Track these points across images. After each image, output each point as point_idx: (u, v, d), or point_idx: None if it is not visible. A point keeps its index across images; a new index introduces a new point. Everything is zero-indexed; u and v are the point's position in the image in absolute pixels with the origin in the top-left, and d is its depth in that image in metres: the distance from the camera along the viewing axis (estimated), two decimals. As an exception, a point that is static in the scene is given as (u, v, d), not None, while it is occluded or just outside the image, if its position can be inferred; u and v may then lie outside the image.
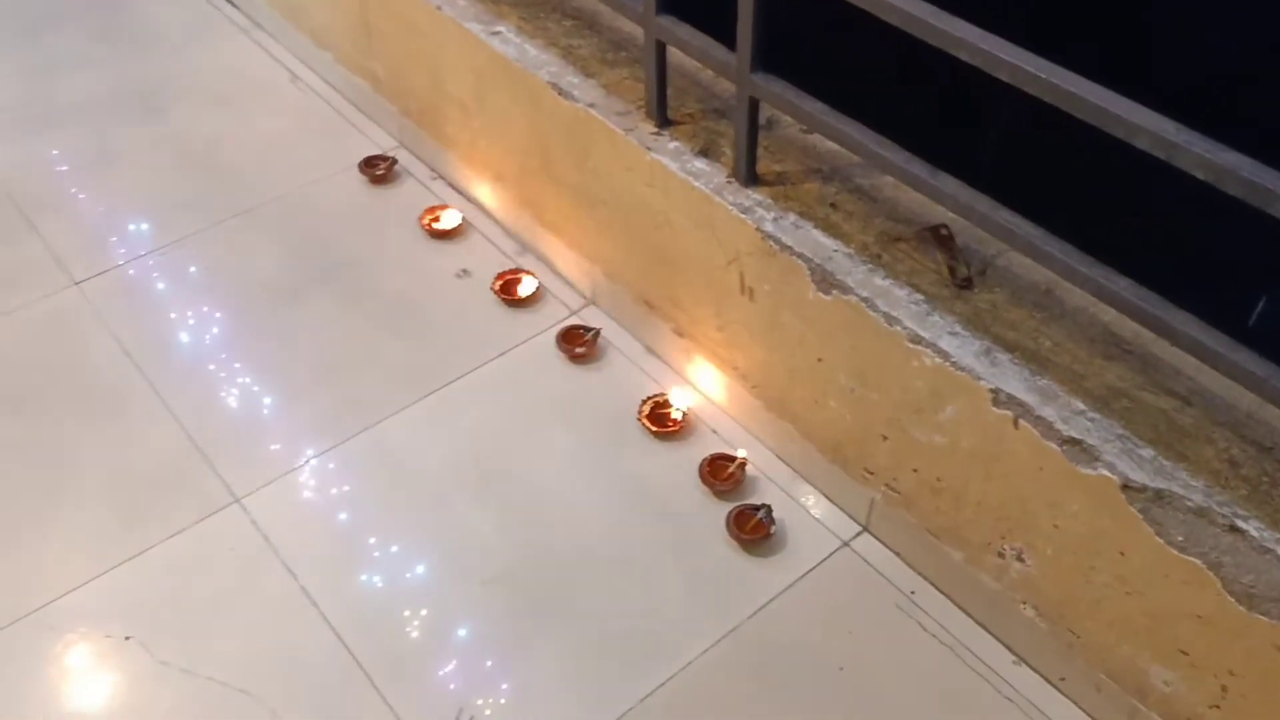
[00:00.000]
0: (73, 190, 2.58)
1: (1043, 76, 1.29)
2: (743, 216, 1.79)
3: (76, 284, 2.34)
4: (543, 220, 2.34)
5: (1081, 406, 1.47)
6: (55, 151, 2.69)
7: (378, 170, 2.59)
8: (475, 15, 2.24)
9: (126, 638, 1.74)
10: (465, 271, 2.37)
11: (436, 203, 2.52)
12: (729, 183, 1.85)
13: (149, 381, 2.14)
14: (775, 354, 1.89)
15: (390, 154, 2.64)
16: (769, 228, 1.76)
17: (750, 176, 1.84)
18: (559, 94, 2.06)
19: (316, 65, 2.90)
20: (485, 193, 2.48)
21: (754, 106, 1.76)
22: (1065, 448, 1.45)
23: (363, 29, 2.61)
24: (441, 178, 2.59)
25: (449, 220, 2.46)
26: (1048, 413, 1.47)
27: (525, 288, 2.30)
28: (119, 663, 1.71)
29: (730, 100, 1.97)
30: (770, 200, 1.81)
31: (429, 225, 2.46)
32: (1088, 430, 1.44)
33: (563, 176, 2.20)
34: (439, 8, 2.28)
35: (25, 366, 2.18)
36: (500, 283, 2.31)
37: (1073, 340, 1.56)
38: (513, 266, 2.36)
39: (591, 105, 2.02)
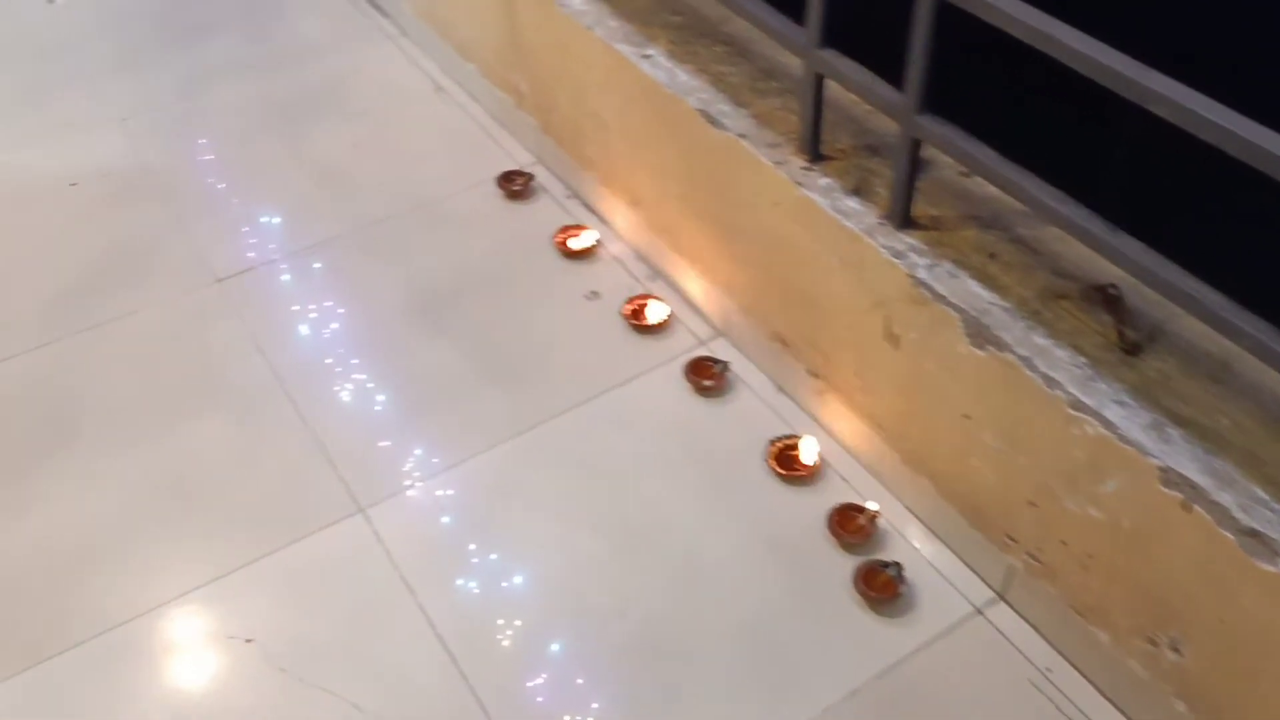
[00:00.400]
0: (221, 190, 2.65)
1: (1261, 145, 1.19)
2: (894, 261, 1.72)
3: (218, 281, 2.39)
4: (678, 247, 2.30)
5: (1263, 495, 1.36)
6: (205, 146, 2.76)
7: (515, 186, 2.59)
8: (626, 37, 2.22)
9: (248, 640, 1.75)
10: (595, 293, 2.34)
11: (571, 222, 2.50)
12: (881, 224, 1.78)
13: (282, 384, 2.17)
14: (917, 406, 1.81)
15: (528, 170, 2.64)
16: (922, 274, 1.69)
17: (904, 219, 1.76)
18: (708, 122, 2.02)
19: (461, 77, 2.92)
20: (620, 215, 2.46)
21: (916, 148, 1.69)
22: (1242, 539, 1.34)
23: (510, 44, 2.62)
24: (577, 197, 2.58)
25: (583, 240, 2.44)
26: (1224, 498, 1.36)
27: (655, 314, 2.26)
28: (238, 666, 1.73)
29: (886, 138, 1.90)
30: (924, 245, 1.73)
31: (562, 244, 2.44)
32: (1270, 522, 1.33)
33: (703, 204, 2.16)
34: (590, 27, 2.26)
35: (166, 361, 2.23)
36: (630, 308, 2.28)
37: (1253, 420, 1.45)
38: (643, 292, 2.32)
39: (742, 135, 1.97)
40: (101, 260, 2.46)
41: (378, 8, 3.23)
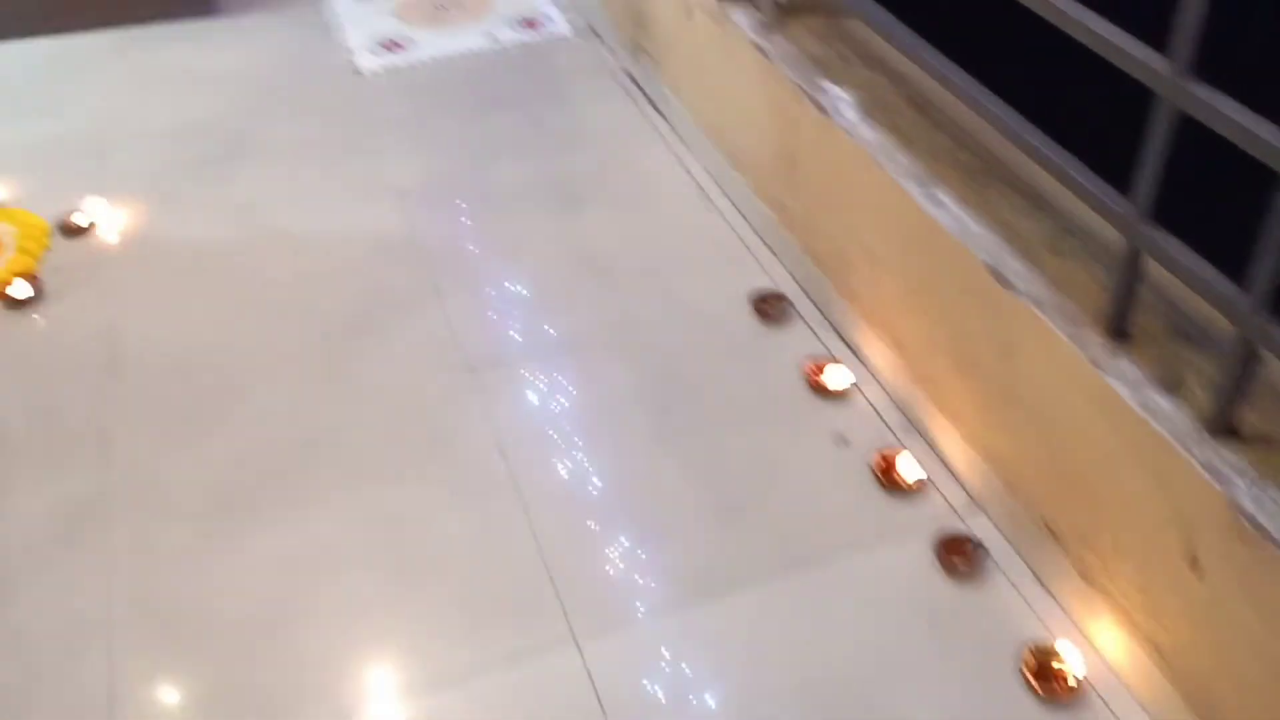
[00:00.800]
0: (483, 270, 2.69)
1: None
2: (1208, 478, 1.48)
3: (467, 363, 2.40)
4: (941, 402, 2.12)
5: None
6: (474, 224, 2.82)
7: (768, 307, 2.49)
8: (913, 174, 2.08)
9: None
10: (842, 438, 2.19)
11: (824, 354, 2.37)
12: (1196, 430, 1.54)
13: (515, 484, 2.13)
14: (1215, 647, 1.55)
15: (784, 292, 2.53)
16: (1244, 502, 1.44)
17: (1226, 429, 1.53)
18: (996, 280, 1.85)
19: (728, 186, 2.86)
20: (879, 356, 2.30)
21: (1254, 352, 1.46)
22: None
23: (785, 160, 2.54)
24: (834, 329, 2.44)
25: (835, 378, 2.30)
26: None
27: (907, 472, 2.08)
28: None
29: (1209, 327, 1.67)
30: (1249, 466, 1.49)
31: (812, 378, 2.31)
32: None
33: (977, 363, 1.98)
34: (875, 159, 2.14)
35: (404, 429, 2.26)
36: (879, 460, 2.11)
37: None
38: (896, 445, 2.15)
39: (1034, 300, 1.79)
40: (360, 326, 2.53)
41: (654, 104, 3.25)
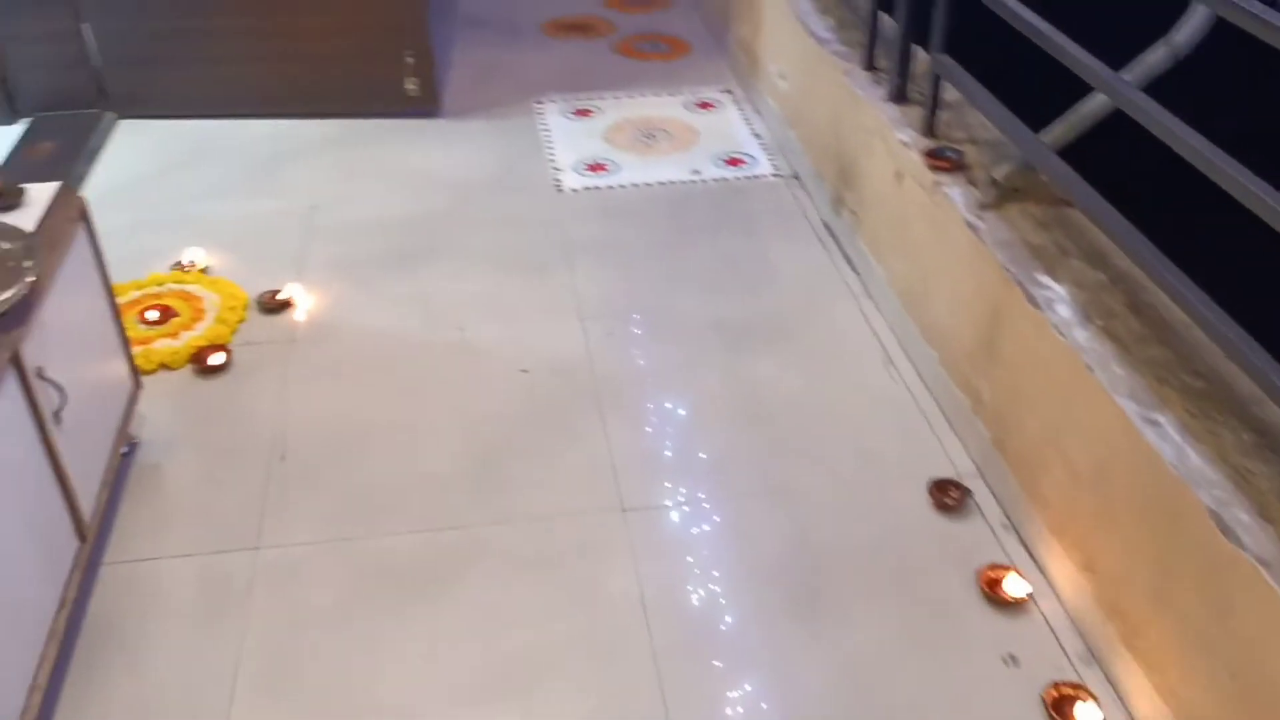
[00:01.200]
0: (650, 400, 2.64)
1: None
2: None
3: (623, 511, 2.34)
4: (1131, 643, 1.92)
5: None
6: (651, 359, 2.79)
7: (948, 497, 2.34)
8: (1131, 391, 1.93)
9: None
10: (1013, 658, 2.01)
11: (1003, 559, 2.20)
12: None
13: (652, 643, 2.03)
14: None
15: (966, 484, 2.38)
16: None
17: None
18: (1219, 528, 1.67)
19: (917, 358, 2.75)
20: (1065, 575, 2.11)
21: None
22: None
23: (984, 345, 2.41)
24: (1017, 533, 2.27)
25: (1014, 587, 2.12)
26: None
27: (1084, 716, 1.88)
28: None
29: None
30: None
31: (987, 583, 2.14)
32: None
33: (1182, 612, 1.78)
34: (1089, 367, 2.00)
35: (553, 557, 2.22)
36: (1054, 694, 1.92)
37: None
38: (1075, 680, 1.95)
39: (1261, 560, 1.60)
40: (521, 439, 2.52)
41: (848, 259, 3.18)
